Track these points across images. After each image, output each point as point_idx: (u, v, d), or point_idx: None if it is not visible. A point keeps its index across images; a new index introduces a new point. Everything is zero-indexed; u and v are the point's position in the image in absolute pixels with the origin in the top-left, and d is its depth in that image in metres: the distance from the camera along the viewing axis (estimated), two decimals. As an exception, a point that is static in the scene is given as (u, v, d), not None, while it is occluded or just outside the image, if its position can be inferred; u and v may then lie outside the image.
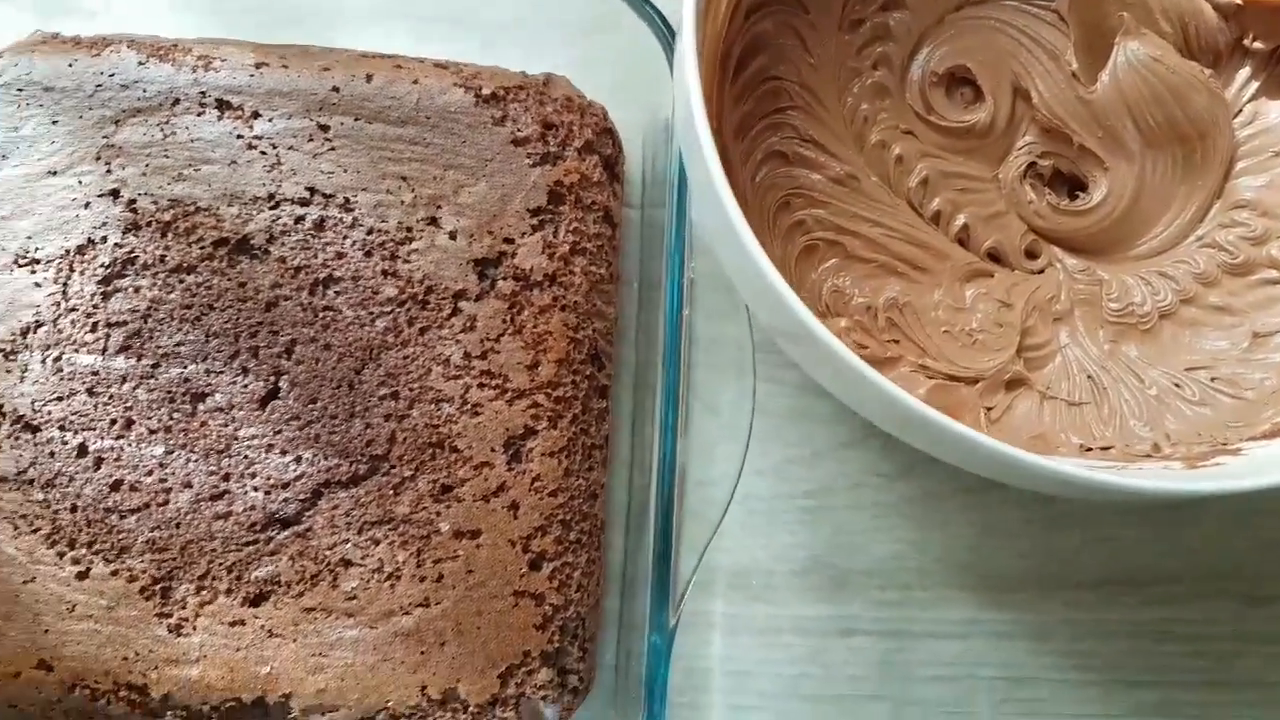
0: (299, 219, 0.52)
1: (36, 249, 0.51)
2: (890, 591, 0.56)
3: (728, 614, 0.56)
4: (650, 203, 0.56)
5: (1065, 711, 0.56)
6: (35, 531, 0.49)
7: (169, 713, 0.49)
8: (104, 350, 0.50)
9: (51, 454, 0.50)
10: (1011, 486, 0.56)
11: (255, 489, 0.50)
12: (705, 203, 0.45)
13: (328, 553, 0.49)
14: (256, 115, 0.52)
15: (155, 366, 0.50)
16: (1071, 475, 0.42)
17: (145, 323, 0.51)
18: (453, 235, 0.52)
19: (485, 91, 0.53)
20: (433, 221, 0.52)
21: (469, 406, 0.51)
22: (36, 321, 0.51)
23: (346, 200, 0.52)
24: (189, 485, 0.50)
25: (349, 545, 0.50)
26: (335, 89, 0.53)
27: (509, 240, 0.53)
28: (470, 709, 0.49)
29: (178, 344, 0.51)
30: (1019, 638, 0.56)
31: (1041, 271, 0.55)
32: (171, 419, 0.50)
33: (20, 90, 0.52)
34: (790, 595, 0.56)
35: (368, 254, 0.52)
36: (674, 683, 0.51)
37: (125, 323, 0.51)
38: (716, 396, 0.54)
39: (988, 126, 0.55)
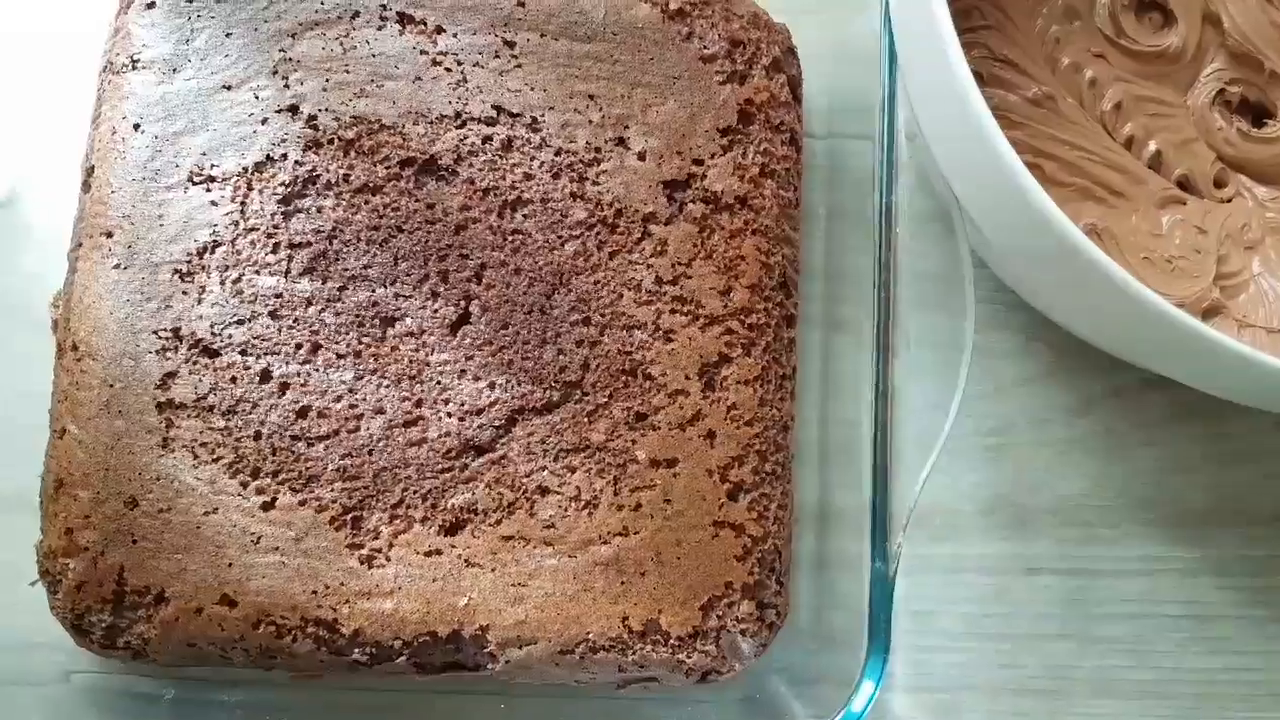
0: (486, 139, 0.50)
1: (212, 166, 0.49)
2: (1074, 529, 0.55)
3: (909, 554, 0.53)
4: (834, 132, 0.55)
5: (1249, 649, 0.55)
6: (217, 460, 0.47)
7: (356, 649, 0.47)
8: (287, 272, 0.48)
9: (233, 379, 0.48)
10: (1188, 422, 0.55)
11: (449, 415, 0.48)
12: (941, 99, 0.43)
13: (524, 480, 0.48)
14: (440, 30, 0.50)
15: (342, 289, 0.48)
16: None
17: (330, 244, 0.49)
18: (641, 156, 0.50)
19: (672, 7, 0.52)
20: (621, 142, 0.50)
21: (661, 333, 0.49)
22: (214, 241, 0.48)
23: (534, 120, 0.50)
24: (381, 411, 0.48)
25: (545, 473, 0.48)
26: (520, 4, 0.51)
27: (699, 161, 0.51)
28: (671, 641, 0.47)
29: (365, 266, 0.48)
30: (1203, 574, 0.55)
31: (1229, 200, 0.54)
32: (361, 343, 0.48)
33: (190, 1, 0.50)
34: (974, 534, 0.55)
35: (555, 175, 0.50)
36: (855, 624, 0.49)
37: (309, 244, 0.49)
38: (905, 330, 0.52)
39: (1178, 51, 0.54)
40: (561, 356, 0.49)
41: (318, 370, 0.48)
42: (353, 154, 0.49)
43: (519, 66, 0.50)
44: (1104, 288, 0.42)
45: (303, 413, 0.48)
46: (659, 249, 0.50)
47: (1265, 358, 0.41)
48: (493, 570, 0.47)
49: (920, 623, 0.54)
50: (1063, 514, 0.55)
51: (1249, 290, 0.53)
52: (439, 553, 0.47)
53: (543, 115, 0.50)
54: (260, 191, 0.49)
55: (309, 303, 0.48)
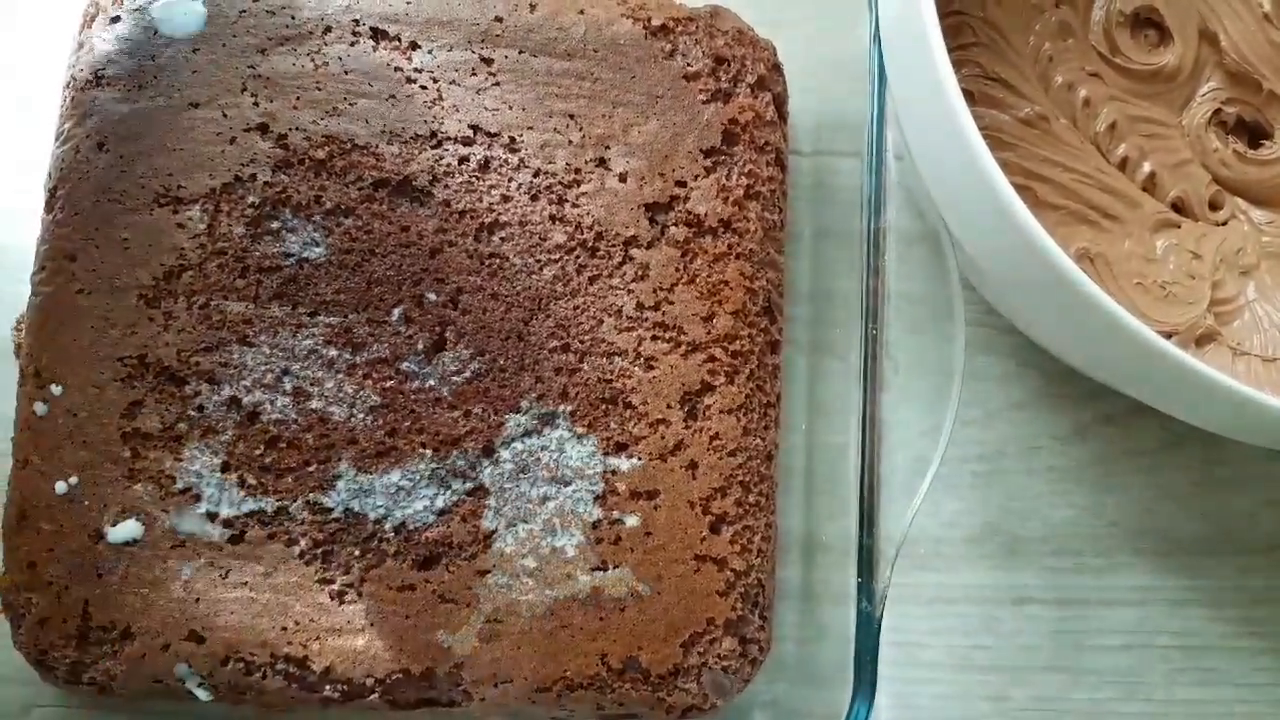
0: (463, 159, 0.48)
1: (179, 187, 0.47)
2: (1064, 558, 0.54)
3: (896, 583, 0.52)
4: (822, 149, 0.53)
5: (1241, 680, 0.54)
6: (184, 492, 0.46)
7: (328, 686, 0.46)
8: (256, 297, 0.47)
9: (201, 409, 0.46)
10: (1180, 449, 0.54)
11: (423, 445, 0.46)
12: (929, 119, 0.42)
13: (500, 513, 0.46)
14: (415, 46, 0.49)
15: (313, 315, 0.47)
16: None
17: (301, 268, 0.47)
18: (623, 178, 0.49)
19: (655, 23, 0.50)
20: (602, 163, 0.49)
21: (643, 360, 0.48)
22: (181, 265, 0.47)
23: (512, 140, 0.49)
24: (353, 442, 0.46)
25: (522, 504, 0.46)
26: (498, 19, 0.49)
27: (681, 183, 0.49)
28: (651, 679, 0.46)
29: (337, 292, 0.47)
30: (1194, 604, 0.54)
31: (1225, 223, 0.53)
32: (332, 371, 0.46)
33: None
34: (961, 563, 0.53)
35: (534, 197, 0.48)
36: (841, 655, 0.48)
37: (279, 268, 0.47)
38: (893, 356, 0.51)
39: (1174, 70, 0.52)
40: (540, 384, 0.47)
41: (287, 399, 0.46)
42: (324, 175, 0.48)
43: (497, 84, 0.49)
44: (1094, 319, 0.41)
45: (272, 443, 0.46)
46: (640, 273, 0.48)
47: (1258, 395, 0.40)
48: (467, 606, 0.46)
49: (906, 654, 0.53)
50: (1053, 543, 0.54)
51: (1244, 317, 0.51)
52: (412, 588, 0.46)
53: (521, 135, 0.49)
54: (228, 213, 0.47)
55: (279, 329, 0.47)
